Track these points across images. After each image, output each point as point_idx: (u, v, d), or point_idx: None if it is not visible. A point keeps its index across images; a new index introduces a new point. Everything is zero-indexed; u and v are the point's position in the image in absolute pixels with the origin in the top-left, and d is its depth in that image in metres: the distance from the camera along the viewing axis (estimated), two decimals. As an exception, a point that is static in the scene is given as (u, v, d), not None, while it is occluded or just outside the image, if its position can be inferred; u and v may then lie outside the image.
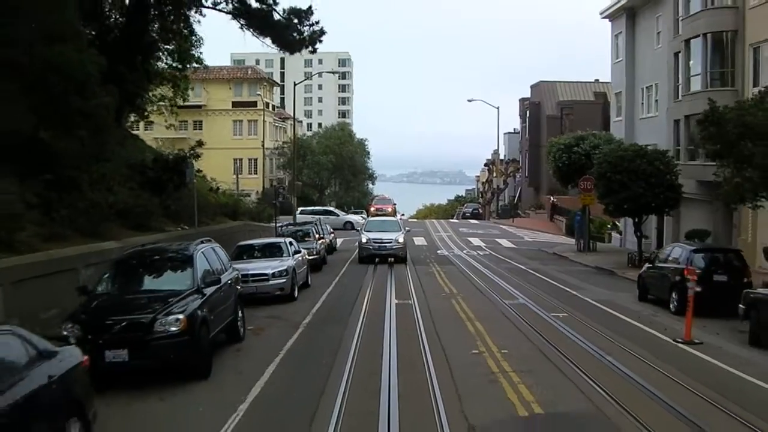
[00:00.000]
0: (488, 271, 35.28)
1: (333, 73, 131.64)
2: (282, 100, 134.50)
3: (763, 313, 18.13)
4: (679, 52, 40.84)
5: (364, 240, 40.26)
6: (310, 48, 37.51)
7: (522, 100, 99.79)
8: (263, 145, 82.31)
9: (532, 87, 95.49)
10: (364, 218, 61.47)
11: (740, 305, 19.32)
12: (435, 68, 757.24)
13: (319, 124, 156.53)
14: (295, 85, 63.44)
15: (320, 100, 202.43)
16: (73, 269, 18.49)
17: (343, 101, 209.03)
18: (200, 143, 35.54)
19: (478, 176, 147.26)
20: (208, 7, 38.12)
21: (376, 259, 38.27)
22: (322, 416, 11.90)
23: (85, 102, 24.26)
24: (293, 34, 36.21)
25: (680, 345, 17.94)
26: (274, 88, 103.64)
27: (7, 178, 21.32)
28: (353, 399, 12.90)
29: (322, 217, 59.71)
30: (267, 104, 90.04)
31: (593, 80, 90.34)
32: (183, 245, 17.92)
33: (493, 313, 22.73)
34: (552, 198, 76.29)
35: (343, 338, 18.32)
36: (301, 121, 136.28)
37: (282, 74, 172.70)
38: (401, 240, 39.82)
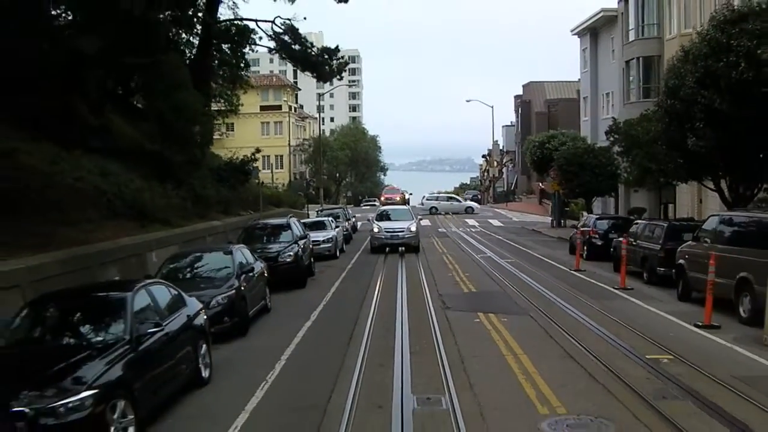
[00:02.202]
0: (474, 240, 47.44)
1: (348, 85, 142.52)
2: (296, 96, 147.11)
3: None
4: (624, 68, 52.97)
5: (375, 230, 40.08)
6: (338, 76, 49.81)
7: (516, 97, 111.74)
8: (289, 144, 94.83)
9: (523, 86, 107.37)
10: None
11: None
12: (446, 56, 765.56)
13: (332, 119, 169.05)
14: (320, 96, 75.83)
15: (331, 95, 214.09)
16: (203, 237, 30.99)
17: (353, 96, 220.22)
18: (258, 150, 47.73)
19: (481, 165, 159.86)
20: (261, 46, 50.39)
21: (387, 249, 38.37)
22: (369, 297, 24.10)
23: (193, 128, 36.92)
24: (326, 67, 48.30)
25: (571, 271, 30.15)
26: (295, 91, 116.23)
27: (151, 182, 33.66)
28: (384, 290, 25.13)
29: (445, 202, 74.70)
30: (290, 107, 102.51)
31: (577, 79, 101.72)
32: (287, 220, 30.50)
33: (466, 260, 35.20)
34: (540, 184, 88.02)
35: (373, 273, 30.64)
36: (315, 117, 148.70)
37: (294, 71, 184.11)
38: (414, 229, 39.50)
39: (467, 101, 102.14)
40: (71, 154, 27.08)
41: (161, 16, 35.29)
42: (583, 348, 15.81)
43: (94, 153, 29.26)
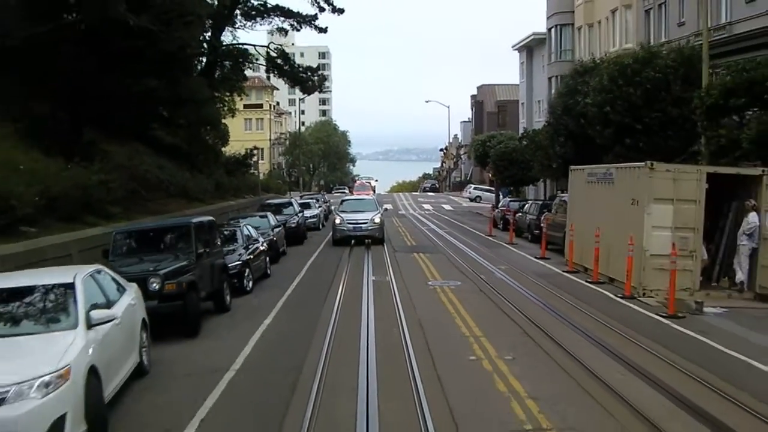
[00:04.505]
0: (425, 219, 60.66)
1: (320, 90, 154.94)
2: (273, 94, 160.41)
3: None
4: (547, 83, 66.36)
5: (338, 221, 39.18)
6: (318, 89, 62.87)
7: (472, 97, 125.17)
8: (270, 138, 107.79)
9: (477, 87, 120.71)
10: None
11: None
12: (414, 45, 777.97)
13: (303, 111, 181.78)
14: (299, 102, 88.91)
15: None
16: (227, 212, 43.90)
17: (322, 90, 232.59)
18: (255, 147, 60.88)
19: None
20: (259, 64, 63.17)
21: (352, 241, 37.63)
22: (346, 249, 36.95)
23: (213, 134, 49.99)
24: (308, 83, 61.29)
25: (485, 236, 43.35)
26: (273, 90, 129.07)
27: (186, 173, 46.46)
28: (356, 244, 37.95)
29: (486, 193, 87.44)
30: (270, 105, 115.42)
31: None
32: (290, 199, 43.48)
33: (415, 230, 48.50)
34: (490, 175, 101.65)
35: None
36: (290, 113, 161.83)
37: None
38: (378, 220, 38.55)
39: (426, 102, 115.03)
40: (139, 152, 39.81)
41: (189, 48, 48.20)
42: (466, 265, 29.25)
43: (151, 153, 42.11)
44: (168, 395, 12.90)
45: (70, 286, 11.81)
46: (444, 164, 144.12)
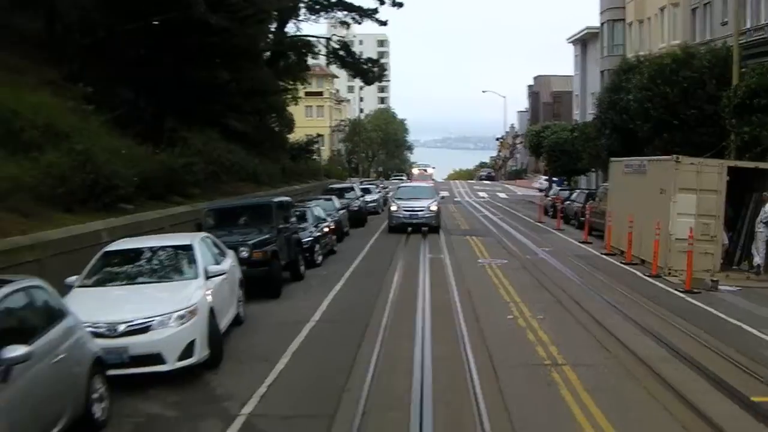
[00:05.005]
0: (479, 206, 63.46)
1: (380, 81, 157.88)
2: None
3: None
4: (599, 76, 68.56)
5: (393, 208, 39.20)
6: (378, 81, 65.87)
7: (529, 87, 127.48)
8: (330, 126, 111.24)
9: (534, 78, 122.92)
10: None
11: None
12: (469, 33, 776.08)
13: (361, 99, 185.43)
14: (358, 89, 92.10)
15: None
16: (293, 195, 47.17)
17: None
18: (319, 135, 64.18)
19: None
20: (321, 54, 66.32)
21: (409, 229, 37.32)
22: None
23: (282, 121, 53.30)
24: (370, 74, 64.32)
25: (535, 222, 46.00)
26: (333, 78, 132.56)
27: (252, 158, 49.73)
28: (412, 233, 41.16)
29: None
30: (330, 93, 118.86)
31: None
32: (352, 184, 46.57)
33: (469, 216, 51.39)
34: (544, 165, 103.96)
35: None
36: (348, 100, 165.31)
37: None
38: (434, 208, 38.37)
39: (483, 92, 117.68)
40: (212, 139, 43.09)
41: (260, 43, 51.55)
42: (514, 247, 32.12)
43: (222, 140, 45.44)
44: (262, 338, 16.03)
45: (190, 247, 15.10)
46: (500, 153, 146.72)
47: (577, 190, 46.18)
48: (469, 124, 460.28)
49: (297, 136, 65.20)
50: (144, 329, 12.46)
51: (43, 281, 10.81)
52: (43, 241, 17.11)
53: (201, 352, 12.97)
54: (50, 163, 21.85)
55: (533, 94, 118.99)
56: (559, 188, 54.23)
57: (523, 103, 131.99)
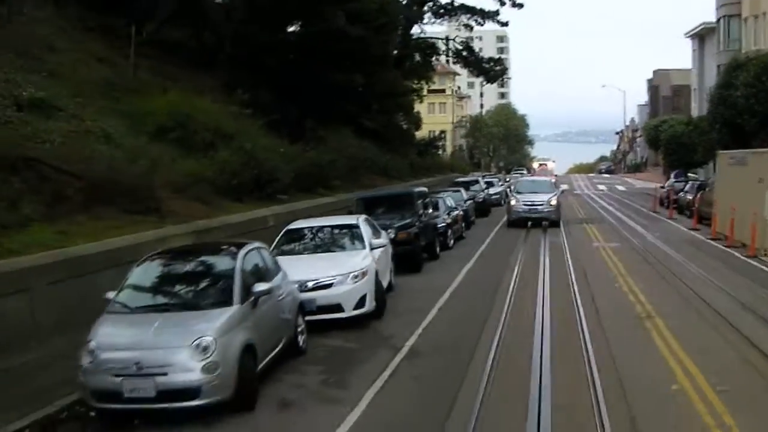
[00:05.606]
0: (597, 198, 66.18)
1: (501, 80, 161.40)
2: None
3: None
4: (716, 71, 70.16)
5: (513, 202, 39.32)
6: (500, 79, 69.27)
7: (648, 80, 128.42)
8: (453, 122, 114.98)
9: (653, 71, 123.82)
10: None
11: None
12: (586, 26, 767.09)
13: (482, 95, 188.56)
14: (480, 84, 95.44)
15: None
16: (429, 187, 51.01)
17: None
18: (441, 131, 67.94)
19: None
20: (445, 55, 70.11)
21: (529, 223, 37.42)
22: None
23: (409, 119, 57.26)
24: (491, 72, 67.81)
25: (649, 212, 48.64)
26: (455, 76, 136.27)
27: (383, 154, 53.77)
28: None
29: None
30: (452, 90, 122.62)
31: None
32: (477, 178, 50.36)
33: (587, 206, 54.42)
34: (661, 158, 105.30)
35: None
36: (470, 96, 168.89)
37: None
38: (554, 202, 38.28)
39: (602, 86, 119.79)
40: (346, 137, 47.09)
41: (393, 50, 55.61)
42: (627, 232, 35.26)
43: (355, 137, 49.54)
44: (411, 300, 19.92)
45: (357, 226, 19.25)
46: (620, 147, 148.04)
47: (691, 182, 48.68)
48: (589, 118, 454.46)
49: (422, 132, 69.26)
50: (327, 286, 16.56)
51: (264, 244, 15.10)
52: (227, 223, 21.86)
53: (370, 304, 17.02)
54: (224, 160, 26.34)
55: (653, 87, 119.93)
56: (675, 180, 56.55)
57: (643, 97, 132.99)
